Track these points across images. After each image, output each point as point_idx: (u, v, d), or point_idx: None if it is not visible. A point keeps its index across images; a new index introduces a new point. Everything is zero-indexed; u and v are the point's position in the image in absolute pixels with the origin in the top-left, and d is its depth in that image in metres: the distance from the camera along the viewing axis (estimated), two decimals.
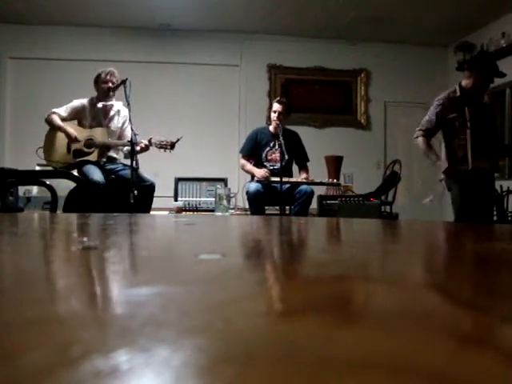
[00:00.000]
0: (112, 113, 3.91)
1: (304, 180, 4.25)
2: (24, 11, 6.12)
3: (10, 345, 0.16)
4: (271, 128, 4.40)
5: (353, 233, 0.99)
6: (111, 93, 3.82)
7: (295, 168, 4.53)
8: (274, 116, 4.32)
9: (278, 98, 4.48)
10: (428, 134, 3.53)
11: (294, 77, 7.11)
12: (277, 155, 4.27)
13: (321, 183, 4.30)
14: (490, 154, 3.50)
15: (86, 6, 5.99)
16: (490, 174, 3.57)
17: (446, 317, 0.21)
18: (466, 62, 3.65)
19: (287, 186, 4.11)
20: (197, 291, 0.26)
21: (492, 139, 3.55)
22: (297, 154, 4.42)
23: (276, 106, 4.33)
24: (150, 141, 3.76)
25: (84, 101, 3.87)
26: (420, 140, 3.53)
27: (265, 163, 4.31)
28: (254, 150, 4.36)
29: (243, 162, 4.38)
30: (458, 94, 3.46)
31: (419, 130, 3.55)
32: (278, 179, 3.99)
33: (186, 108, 6.75)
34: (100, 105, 3.82)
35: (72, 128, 3.78)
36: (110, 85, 3.77)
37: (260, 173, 4.17)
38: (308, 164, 4.51)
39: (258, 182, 4.14)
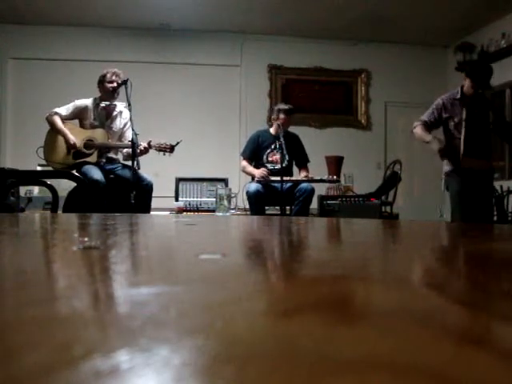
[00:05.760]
0: (114, 113, 3.91)
1: (304, 178, 4.28)
2: (25, 12, 6.12)
3: (10, 345, 0.16)
4: (272, 130, 4.45)
5: (353, 233, 0.99)
6: (115, 94, 3.82)
7: (295, 170, 4.56)
8: (279, 125, 4.34)
9: (285, 108, 4.45)
10: (426, 124, 3.59)
11: (295, 77, 7.12)
12: (277, 156, 4.32)
13: (321, 180, 4.32)
14: (484, 155, 3.54)
15: (86, 7, 6.00)
16: (487, 175, 3.59)
17: (445, 316, 0.21)
18: (464, 66, 3.71)
19: (287, 186, 4.13)
20: (197, 291, 0.26)
21: (488, 141, 3.58)
22: (297, 155, 4.45)
23: (282, 117, 4.35)
24: (149, 143, 3.76)
25: (87, 101, 3.87)
26: (417, 128, 3.62)
27: (266, 164, 4.35)
28: (255, 153, 4.40)
29: (244, 163, 4.41)
30: (458, 96, 3.53)
31: (418, 120, 3.63)
32: (277, 178, 4.01)
33: (186, 108, 6.76)
34: (103, 104, 3.82)
35: (72, 130, 3.78)
36: (115, 85, 3.77)
37: (260, 172, 4.21)
38: (308, 165, 4.54)
39: (258, 182, 4.17)
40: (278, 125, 4.30)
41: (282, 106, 4.50)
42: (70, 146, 3.72)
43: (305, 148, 4.55)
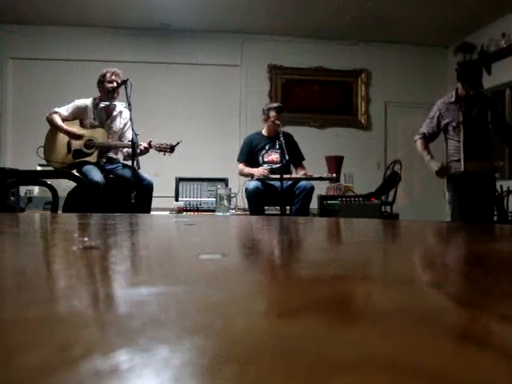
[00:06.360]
0: (114, 113, 3.91)
1: (303, 176, 4.30)
2: (25, 12, 6.12)
3: (10, 345, 0.16)
4: (264, 131, 4.49)
5: (353, 233, 0.99)
6: (115, 94, 3.81)
7: (294, 169, 4.59)
8: (271, 124, 4.37)
9: (275, 106, 4.47)
10: (426, 137, 3.65)
11: (295, 77, 7.12)
12: (273, 157, 4.38)
13: (320, 178, 4.33)
14: (485, 155, 3.56)
15: (86, 7, 6.00)
16: (487, 176, 3.60)
17: (445, 316, 0.21)
18: (456, 69, 3.74)
19: (287, 185, 4.14)
20: (197, 291, 0.26)
21: (489, 141, 3.60)
22: (292, 154, 4.46)
23: (273, 115, 4.37)
24: (149, 143, 3.77)
25: (87, 101, 3.86)
26: (418, 143, 3.69)
27: (263, 165, 4.37)
28: (250, 156, 4.46)
29: (241, 166, 4.45)
30: (453, 99, 3.56)
31: (418, 133, 3.70)
32: (277, 176, 4.03)
33: (186, 108, 6.76)
34: (103, 105, 3.82)
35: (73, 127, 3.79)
36: (115, 85, 3.77)
37: (259, 171, 4.23)
38: (306, 163, 4.57)
39: (257, 180, 4.18)
40: (277, 124, 4.32)
41: (272, 105, 4.53)
42: (75, 137, 3.71)
43: (299, 146, 4.57)
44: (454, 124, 3.54)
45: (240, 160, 4.50)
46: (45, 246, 0.59)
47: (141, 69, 6.32)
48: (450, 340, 0.17)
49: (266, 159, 4.42)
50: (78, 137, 3.71)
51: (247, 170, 4.39)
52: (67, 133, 3.73)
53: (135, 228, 0.97)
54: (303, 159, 4.57)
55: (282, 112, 4.44)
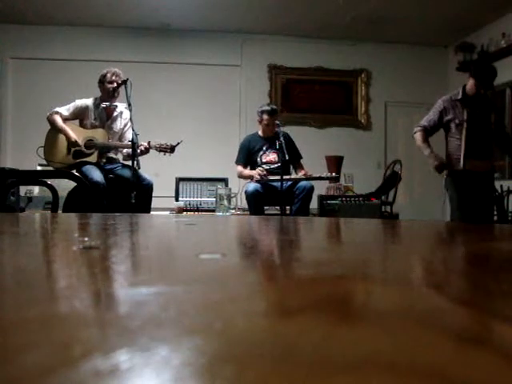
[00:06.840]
0: (115, 114, 3.91)
1: (302, 176, 4.30)
2: (25, 11, 6.12)
3: (10, 344, 0.16)
4: (260, 132, 4.49)
5: (353, 233, 0.99)
6: (115, 94, 3.82)
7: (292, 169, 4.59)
8: (264, 126, 4.38)
9: (268, 109, 4.46)
10: (426, 130, 3.62)
11: (295, 77, 7.12)
12: (271, 157, 4.39)
13: (320, 178, 4.34)
14: (485, 155, 3.55)
15: (86, 6, 5.99)
16: (487, 176, 3.60)
17: (445, 317, 0.21)
18: (469, 65, 3.72)
19: (286, 185, 4.14)
20: (197, 291, 0.26)
21: (490, 142, 3.60)
22: (290, 153, 4.46)
23: (266, 118, 4.37)
24: (149, 143, 3.76)
25: (88, 101, 3.86)
26: (418, 135, 3.65)
27: (262, 166, 4.38)
28: (248, 157, 4.45)
29: (239, 169, 4.45)
30: (460, 96, 3.53)
31: (418, 125, 3.67)
32: (276, 177, 4.03)
33: (186, 108, 6.75)
34: (104, 105, 3.82)
35: (73, 130, 3.78)
36: (115, 85, 3.77)
37: (256, 172, 4.24)
38: (305, 163, 4.56)
39: (257, 181, 4.18)
40: (277, 124, 4.32)
41: (265, 108, 4.51)
42: (72, 144, 3.72)
43: (296, 145, 4.57)
44: (457, 121, 3.51)
45: (238, 162, 4.50)
46: (45, 246, 0.59)
47: (141, 69, 6.32)
48: (450, 340, 0.17)
49: (264, 160, 4.43)
50: (74, 144, 3.71)
51: (246, 172, 4.40)
52: (66, 136, 3.74)
53: (135, 228, 0.97)
54: (301, 158, 4.58)
55: (275, 114, 4.42)
